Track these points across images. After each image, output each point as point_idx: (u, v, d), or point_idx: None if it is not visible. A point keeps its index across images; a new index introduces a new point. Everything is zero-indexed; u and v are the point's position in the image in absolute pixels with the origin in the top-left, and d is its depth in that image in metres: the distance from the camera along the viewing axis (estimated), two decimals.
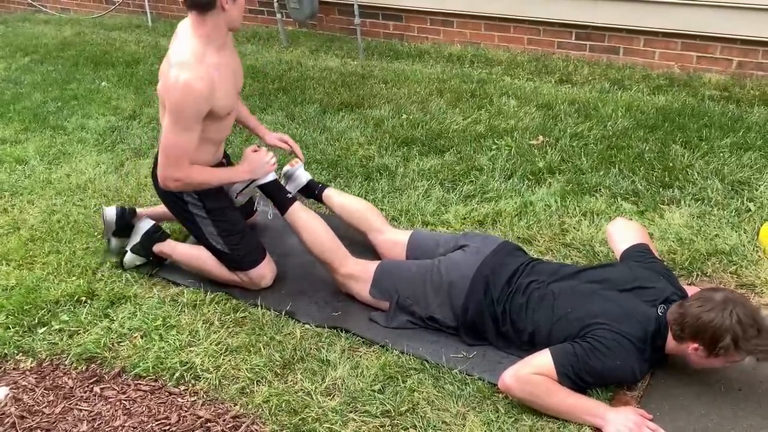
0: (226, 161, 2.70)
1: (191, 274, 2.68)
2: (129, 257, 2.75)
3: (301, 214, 2.53)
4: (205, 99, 2.20)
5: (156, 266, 2.76)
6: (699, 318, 1.88)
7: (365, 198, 3.14)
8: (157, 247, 2.73)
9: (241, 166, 2.54)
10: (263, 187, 2.58)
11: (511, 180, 3.24)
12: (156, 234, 2.75)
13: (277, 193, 2.58)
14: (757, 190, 3.00)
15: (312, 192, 2.83)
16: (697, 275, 2.53)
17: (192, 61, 2.18)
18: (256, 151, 2.55)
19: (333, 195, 2.80)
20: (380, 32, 5.57)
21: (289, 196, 2.59)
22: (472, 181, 3.26)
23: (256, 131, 2.85)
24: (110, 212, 2.81)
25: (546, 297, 2.13)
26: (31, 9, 7.65)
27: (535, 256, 2.59)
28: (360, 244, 2.66)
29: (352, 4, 5.08)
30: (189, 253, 2.67)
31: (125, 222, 2.80)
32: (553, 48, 4.86)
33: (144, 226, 2.76)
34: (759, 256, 2.60)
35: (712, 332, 1.86)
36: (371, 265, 2.44)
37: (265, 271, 2.57)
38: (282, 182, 2.85)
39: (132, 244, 2.75)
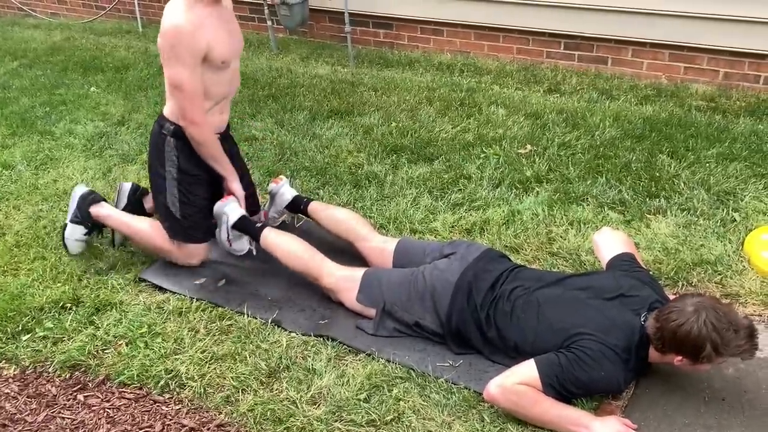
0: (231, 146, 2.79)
1: (177, 281, 2.68)
2: (69, 230, 2.82)
3: (271, 236, 2.59)
4: (193, 36, 2.33)
5: (98, 232, 2.88)
6: (675, 333, 1.89)
7: (354, 206, 3.15)
8: (94, 209, 2.81)
9: (231, 167, 2.67)
10: (235, 225, 2.64)
11: (499, 189, 3.26)
12: (90, 196, 2.85)
13: (249, 227, 2.65)
14: (742, 201, 3.02)
15: (298, 207, 2.85)
16: (683, 285, 2.54)
17: (181, 9, 2.34)
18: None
19: (318, 208, 2.81)
20: (371, 40, 5.58)
21: (259, 225, 2.65)
22: (460, 190, 3.26)
23: None
24: (126, 186, 3.00)
25: (531, 304, 2.14)
26: (21, 13, 7.61)
27: (523, 264, 2.60)
28: (348, 253, 2.65)
29: (343, 12, 5.09)
30: (122, 221, 2.81)
31: (137, 198, 2.97)
32: (542, 57, 4.89)
33: (77, 192, 2.86)
34: (744, 266, 2.61)
35: (692, 345, 1.88)
36: (357, 272, 2.44)
37: (197, 252, 2.72)
38: (268, 200, 2.93)
39: (70, 215, 2.83)
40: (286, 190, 2.87)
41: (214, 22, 2.42)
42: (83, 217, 2.81)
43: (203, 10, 2.38)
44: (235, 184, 2.68)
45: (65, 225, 2.83)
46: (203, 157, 2.60)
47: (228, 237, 2.66)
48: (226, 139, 2.75)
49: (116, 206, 2.96)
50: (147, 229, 2.75)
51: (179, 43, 2.32)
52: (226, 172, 2.66)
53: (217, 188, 2.74)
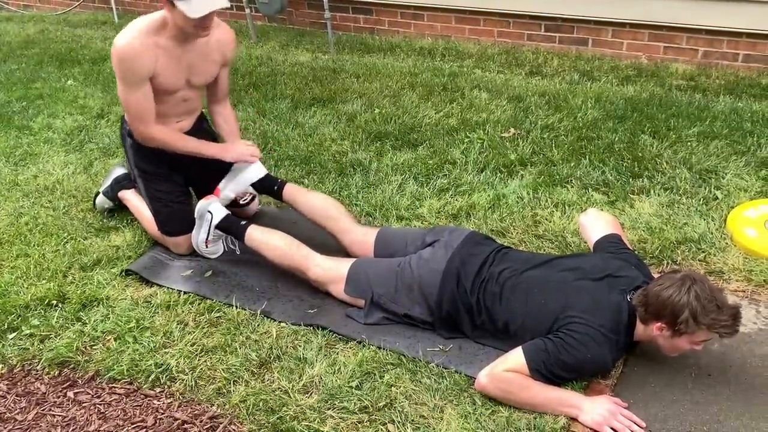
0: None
1: (164, 274, 2.67)
2: (100, 199, 3.08)
3: (256, 234, 2.57)
4: (136, 60, 2.41)
5: (118, 210, 3.07)
6: (659, 296, 1.93)
7: (339, 194, 3.14)
8: (122, 194, 3.02)
9: (215, 145, 2.71)
10: (219, 226, 2.63)
11: (483, 173, 3.26)
12: (124, 182, 3.03)
13: (233, 227, 2.63)
14: (723, 179, 3.06)
15: (270, 189, 2.76)
16: (667, 263, 2.57)
17: (135, 32, 2.43)
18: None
19: (294, 191, 2.75)
20: (351, 26, 5.55)
21: (243, 223, 2.62)
22: (445, 175, 3.27)
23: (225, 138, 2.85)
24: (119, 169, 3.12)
25: (519, 286, 2.15)
26: None
27: (508, 245, 2.61)
28: (332, 245, 2.63)
29: None
30: (136, 206, 2.95)
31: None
32: (522, 40, 4.90)
33: (116, 171, 3.08)
34: (726, 243, 2.65)
35: (672, 308, 1.90)
36: (344, 263, 2.44)
37: (179, 243, 2.76)
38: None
39: (103, 188, 3.06)
40: (254, 167, 2.71)
41: (172, 54, 2.47)
42: (112, 196, 3.04)
43: (164, 40, 2.45)
44: (227, 155, 2.68)
45: (98, 192, 3.10)
46: (179, 150, 2.64)
47: (208, 237, 2.65)
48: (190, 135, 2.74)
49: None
50: (149, 216, 2.86)
51: (122, 64, 2.43)
52: (208, 153, 2.66)
53: (197, 184, 2.79)
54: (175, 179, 2.78)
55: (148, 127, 2.55)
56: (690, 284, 1.90)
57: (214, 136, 2.87)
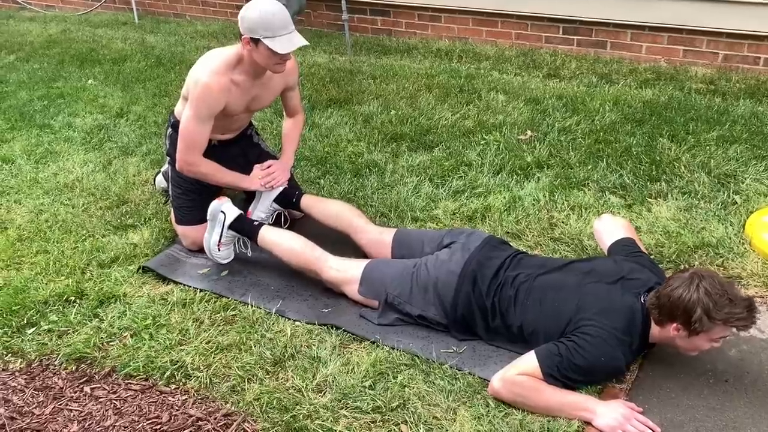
0: (250, 140, 3.01)
1: (181, 271, 2.70)
2: (159, 177, 3.26)
3: (269, 234, 2.60)
4: (216, 100, 2.56)
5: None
6: (670, 297, 1.91)
7: (354, 195, 3.15)
8: None
9: (248, 177, 2.82)
10: (232, 226, 2.66)
11: (499, 175, 3.25)
12: None
13: (246, 227, 2.66)
14: (743, 183, 3.03)
15: (290, 202, 2.83)
16: (684, 268, 2.54)
17: (218, 69, 2.55)
18: (266, 168, 2.84)
19: (311, 202, 2.80)
20: (368, 28, 5.56)
21: (255, 223, 2.66)
22: (461, 177, 3.26)
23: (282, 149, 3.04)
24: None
25: (534, 290, 2.15)
26: (16, 6, 7.57)
27: (524, 250, 2.60)
28: (347, 245, 2.64)
29: (340, 0, 5.07)
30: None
31: None
32: (540, 43, 4.88)
33: None
34: (745, 248, 2.62)
35: (684, 308, 1.89)
36: (358, 264, 2.44)
37: (186, 233, 2.83)
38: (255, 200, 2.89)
39: (164, 167, 3.14)
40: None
41: (242, 87, 2.62)
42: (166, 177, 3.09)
43: (237, 75, 2.58)
44: (251, 186, 2.81)
45: (159, 171, 3.30)
46: (219, 183, 2.79)
47: (220, 240, 2.66)
48: (234, 143, 2.89)
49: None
50: None
51: (202, 101, 2.54)
52: (241, 185, 2.81)
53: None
54: None
55: (196, 158, 2.65)
56: (698, 281, 1.89)
57: (255, 145, 3.01)
